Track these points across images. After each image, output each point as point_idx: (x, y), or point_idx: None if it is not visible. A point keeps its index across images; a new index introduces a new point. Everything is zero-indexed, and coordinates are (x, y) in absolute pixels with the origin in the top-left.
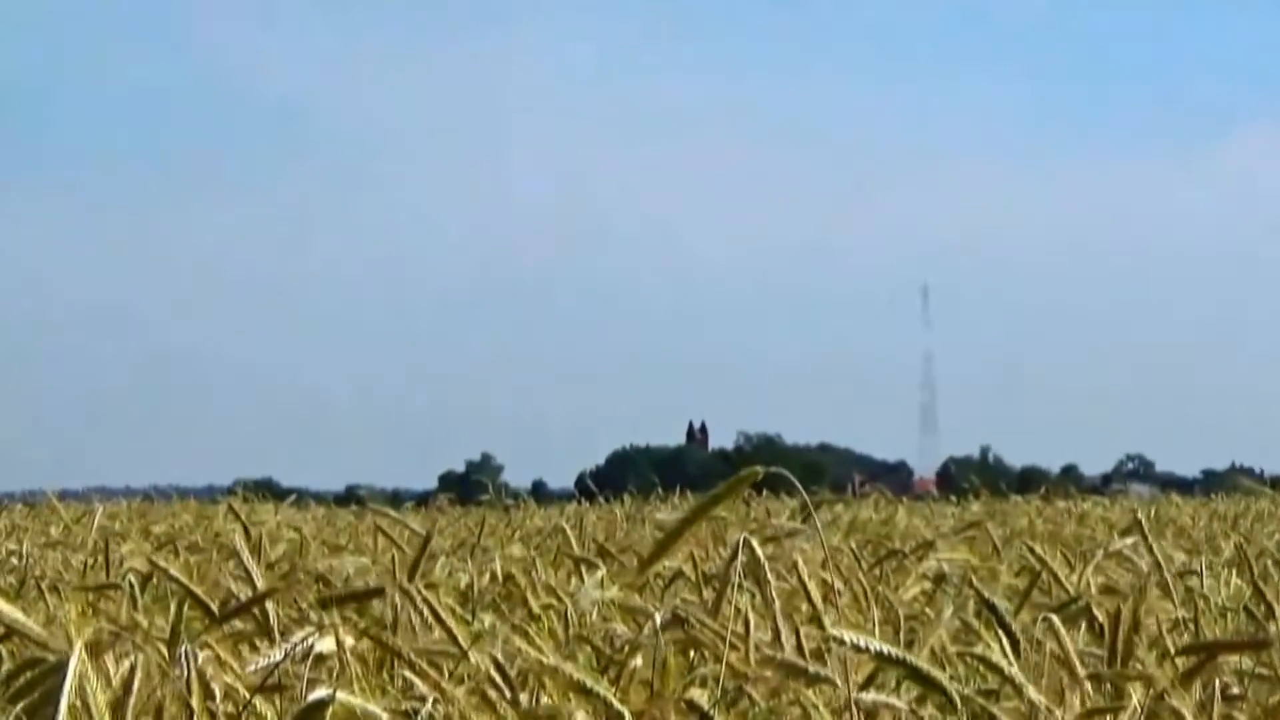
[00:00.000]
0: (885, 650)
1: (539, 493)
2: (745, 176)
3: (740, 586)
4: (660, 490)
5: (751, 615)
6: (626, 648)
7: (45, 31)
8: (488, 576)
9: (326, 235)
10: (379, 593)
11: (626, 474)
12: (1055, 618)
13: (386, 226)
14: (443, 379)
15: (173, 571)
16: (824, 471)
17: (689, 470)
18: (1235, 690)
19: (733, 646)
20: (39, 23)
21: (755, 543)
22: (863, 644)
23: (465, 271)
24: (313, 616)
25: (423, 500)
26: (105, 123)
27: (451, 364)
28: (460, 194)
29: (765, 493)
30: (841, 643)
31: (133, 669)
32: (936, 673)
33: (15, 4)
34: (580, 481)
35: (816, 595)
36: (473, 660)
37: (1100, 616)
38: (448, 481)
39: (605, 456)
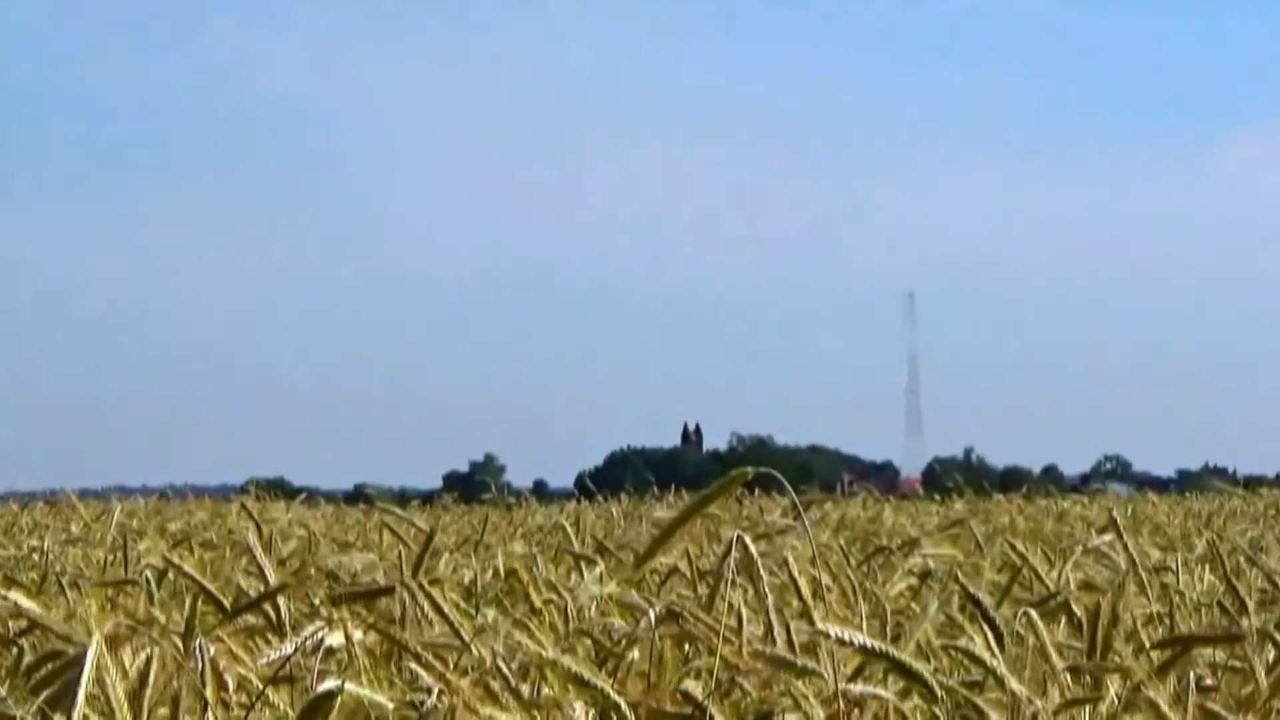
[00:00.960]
0: (870, 644)
1: (540, 492)
2: (739, 181)
3: (733, 582)
4: (656, 490)
5: (744, 610)
6: (624, 641)
7: (40, 31)
8: (491, 572)
9: (336, 238)
10: (389, 591)
11: (624, 474)
12: (1035, 612)
13: (392, 230)
14: (447, 382)
15: (187, 568)
16: (814, 471)
17: (684, 471)
18: (1209, 682)
19: (726, 640)
20: (35, 22)
21: (748, 540)
22: (850, 638)
23: (468, 278)
24: (323, 611)
25: (428, 499)
26: (110, 122)
27: (455, 367)
28: (462, 197)
29: (758, 492)
30: (829, 637)
31: (149, 661)
32: (919, 665)
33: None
34: (579, 481)
35: (806, 591)
36: (476, 653)
37: (1079, 611)
38: (452, 481)
39: (603, 457)
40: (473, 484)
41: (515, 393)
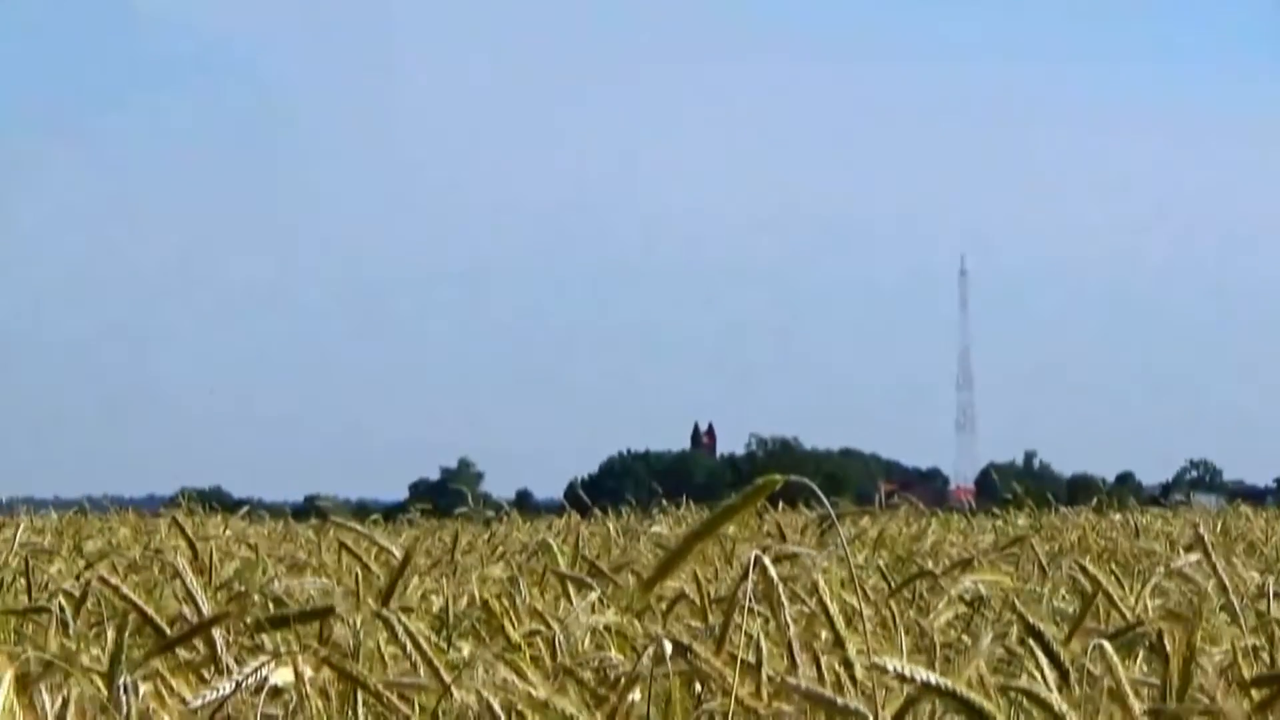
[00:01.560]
0: (933, 679)
1: (523, 504)
2: (758, 147)
3: (752, 611)
4: (662, 501)
5: (764, 643)
6: (623, 680)
7: None
8: (466, 599)
9: (282, 225)
10: (327, 612)
11: (623, 483)
12: (1108, 645)
13: (351, 212)
14: (414, 377)
15: (124, 589)
16: (847, 480)
17: (694, 478)
18: None
19: (743, 678)
20: None
21: (768, 561)
22: (907, 671)
23: (434, 259)
24: (268, 644)
25: (392, 513)
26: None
27: (423, 361)
28: (431, 168)
29: (780, 504)
30: (883, 670)
31: (65, 704)
32: (988, 705)
33: None
34: (570, 491)
35: (839, 620)
36: (454, 695)
37: (1159, 643)
38: (420, 491)
39: (599, 463)
40: (445, 494)
41: (494, 390)
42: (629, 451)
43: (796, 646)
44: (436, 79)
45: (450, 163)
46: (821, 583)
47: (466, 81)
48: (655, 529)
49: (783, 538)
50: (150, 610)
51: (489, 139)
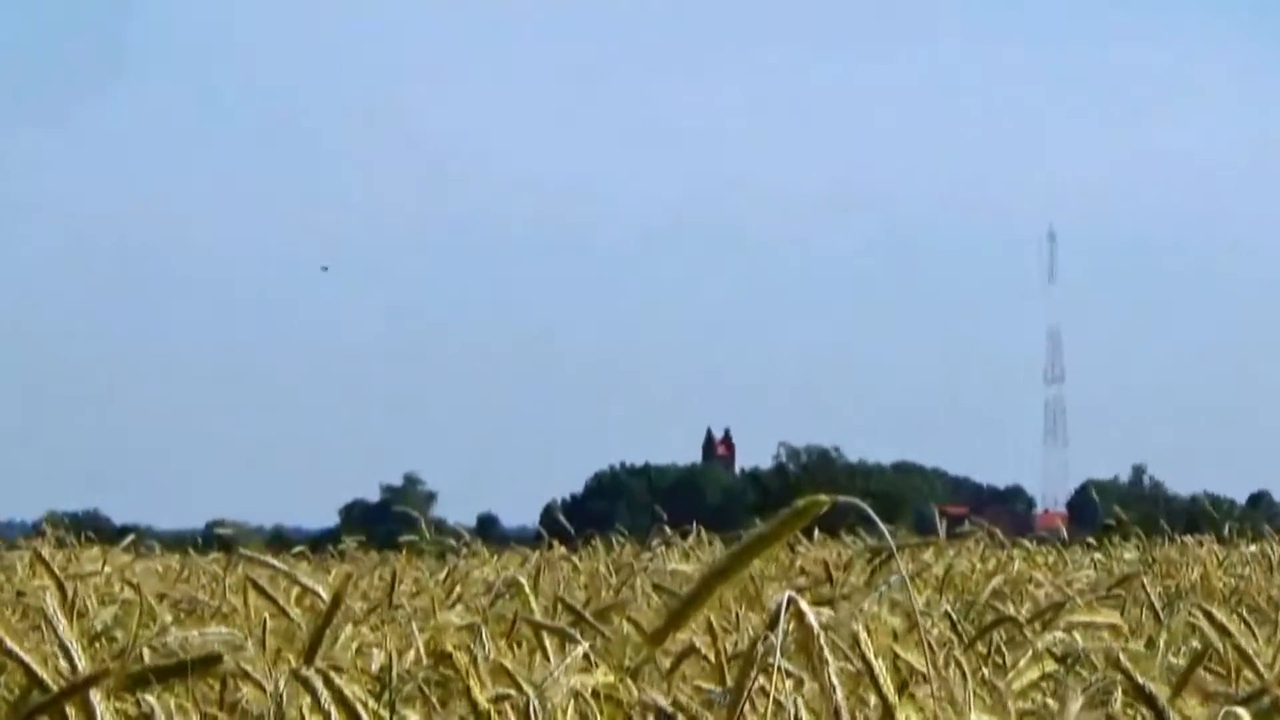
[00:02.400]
0: None
1: (488, 532)
2: (794, 102)
3: (782, 670)
4: (665, 528)
5: (802, 710)
6: None
7: None
8: (413, 654)
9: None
10: (213, 661)
11: (615, 505)
12: (1243, 712)
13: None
14: (348, 377)
15: (8, 642)
16: (903, 501)
17: (707, 498)
18: None
19: None
20: None
21: (805, 605)
22: None
23: (384, 224)
24: (156, 709)
25: (320, 543)
26: None
27: (361, 357)
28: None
29: (817, 532)
30: None
31: None
32: None
33: None
34: (548, 517)
35: (890, 683)
36: None
37: None
38: (355, 516)
39: (584, 481)
40: (386, 519)
41: (449, 389)
42: (623, 465)
43: (842, 714)
44: (418, 80)
45: (433, 147)
46: (868, 635)
47: (450, 78)
48: (657, 564)
49: (829, 578)
50: (30, 660)
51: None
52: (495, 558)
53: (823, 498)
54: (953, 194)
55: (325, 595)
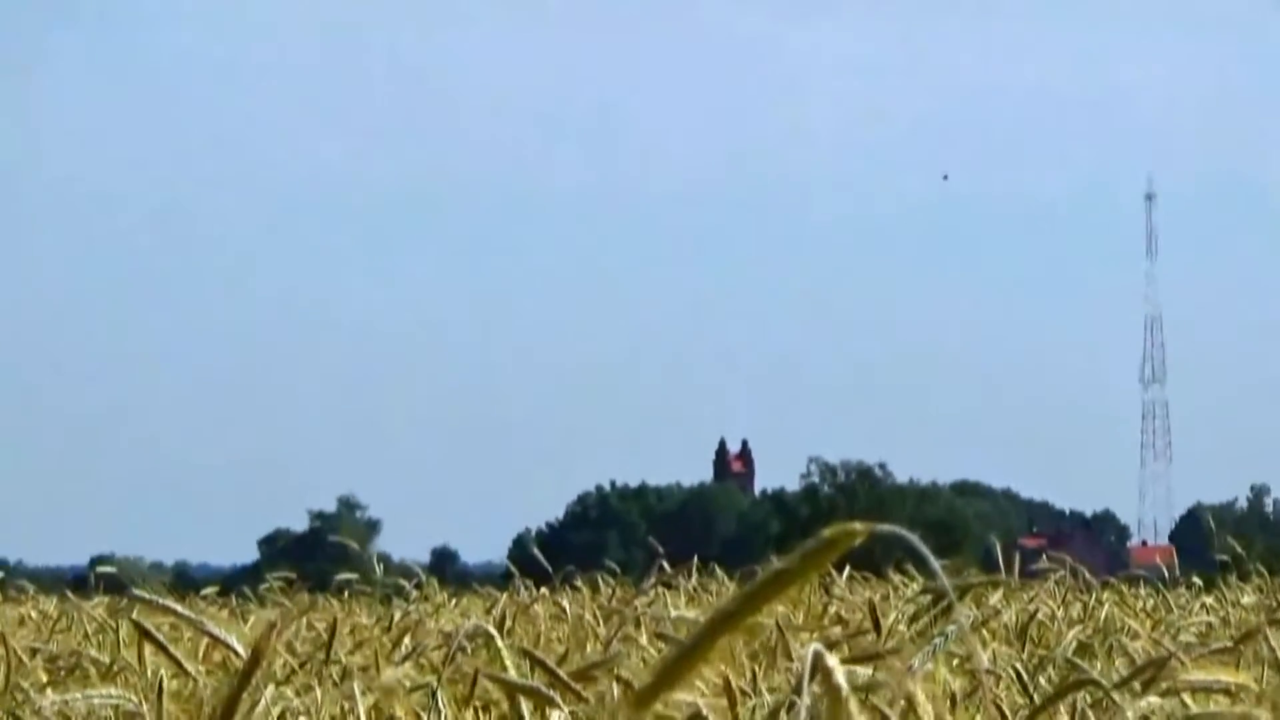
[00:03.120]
0: None
1: (445, 569)
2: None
3: None
4: (663, 563)
5: None
6: None
7: None
8: None
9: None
10: None
11: (604, 534)
12: None
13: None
14: (268, 380)
15: None
16: (965, 531)
17: (718, 526)
18: None
19: None
20: None
21: (834, 663)
22: None
23: (318, 199)
24: None
25: (234, 582)
26: None
27: (283, 356)
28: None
29: (847, 569)
30: None
31: None
32: None
33: None
34: (521, 550)
35: None
36: None
37: None
38: (279, 549)
39: (565, 506)
40: (317, 553)
41: (394, 393)
42: (614, 486)
43: None
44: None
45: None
46: (923, 696)
47: (423, 75)
48: (656, 609)
49: (876, 628)
50: None
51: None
52: (454, 601)
53: (859, 526)
54: (1022, 151)
55: (241, 649)
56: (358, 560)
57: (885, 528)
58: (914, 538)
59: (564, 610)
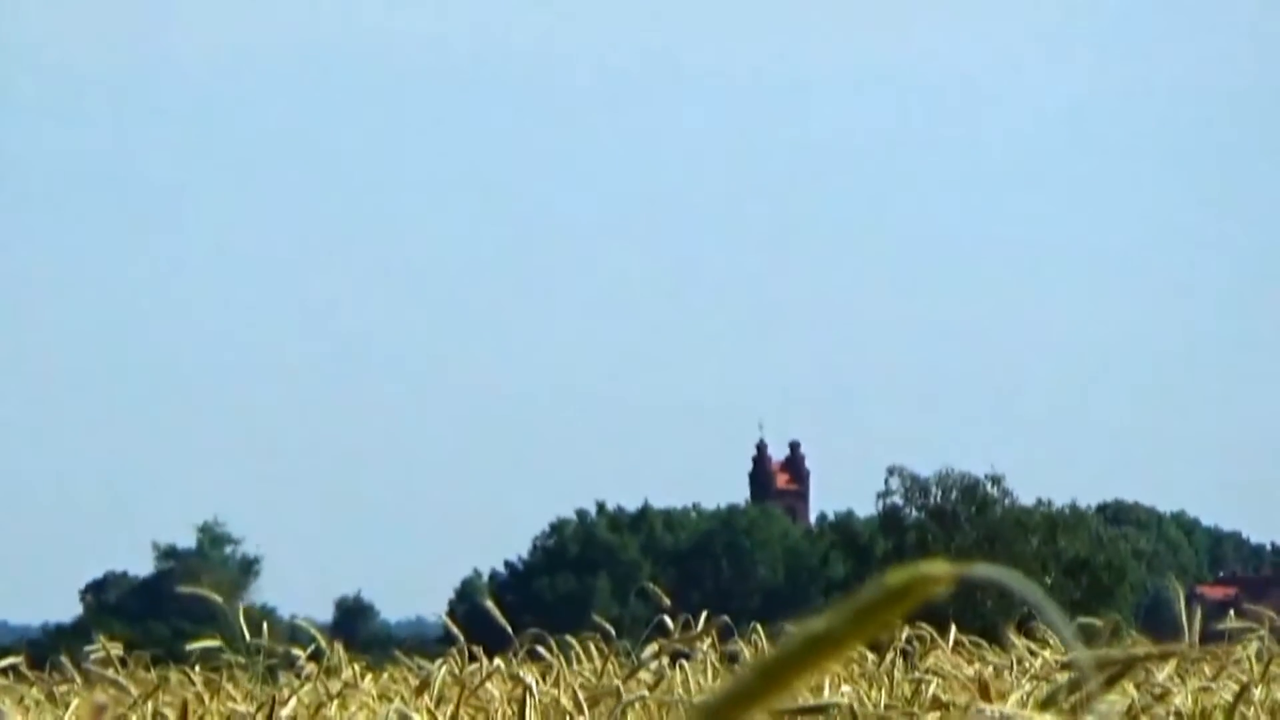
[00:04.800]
0: None
1: (355, 630)
2: None
3: None
4: (665, 617)
5: None
6: None
7: None
8: None
9: None
10: None
11: (591, 578)
12: None
13: None
14: (96, 387)
15: None
16: (1119, 572)
17: (755, 564)
18: None
19: None
20: None
21: None
22: None
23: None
24: None
25: (51, 648)
26: None
27: (117, 360)
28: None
29: (960, 630)
30: None
31: None
32: None
33: None
34: (466, 601)
35: None
36: None
37: None
38: (109, 603)
39: (534, 538)
40: (166, 607)
41: (279, 387)
42: (604, 510)
43: None
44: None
45: None
46: None
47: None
48: (662, 687)
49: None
50: None
51: None
52: (370, 675)
53: (941, 568)
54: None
55: None
56: (224, 617)
57: (985, 570)
58: (1030, 585)
59: (529, 691)
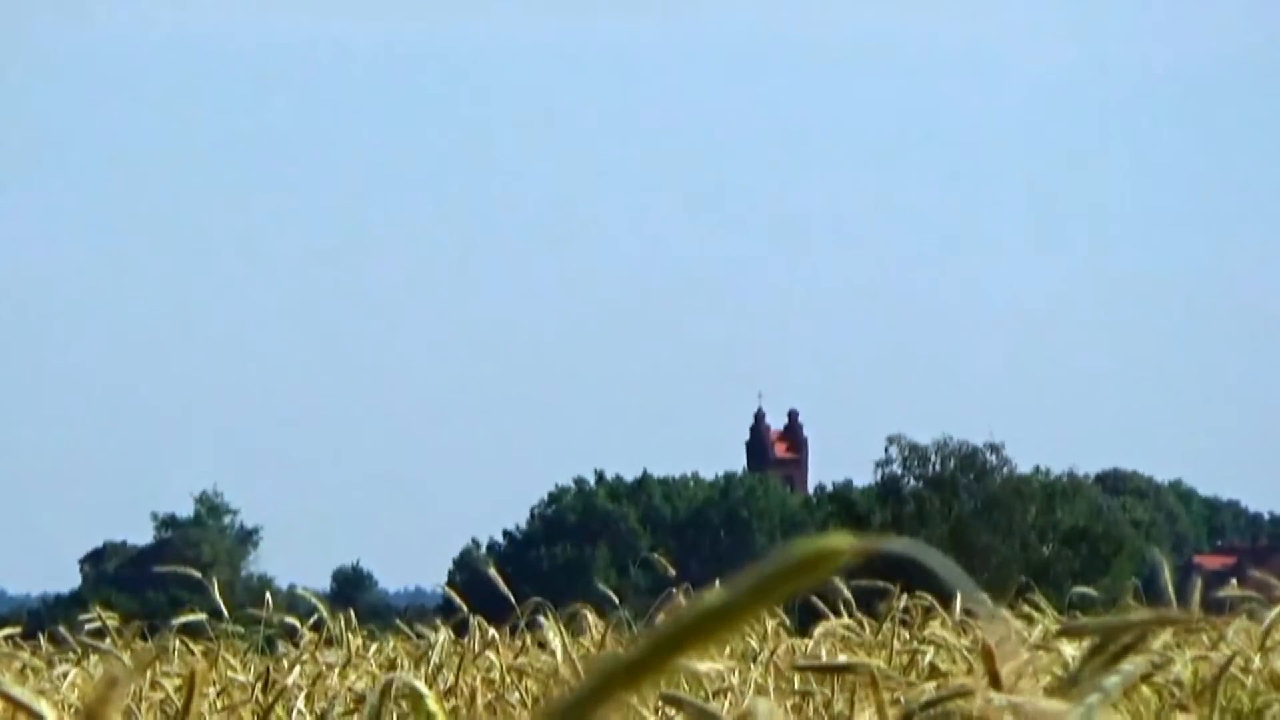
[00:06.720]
0: None
1: (354, 598)
2: None
3: None
4: (673, 583)
5: None
6: None
7: None
8: None
9: None
10: None
11: (591, 547)
12: None
13: None
14: (96, 357)
15: None
16: (1117, 541)
17: (752, 533)
18: None
19: None
20: None
21: None
22: None
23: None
24: None
25: (50, 617)
26: None
27: (118, 330)
28: None
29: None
30: None
31: None
32: None
33: None
34: (467, 571)
35: None
36: None
37: None
38: (108, 573)
39: (532, 507)
40: (163, 577)
41: (280, 350)
42: (603, 479)
43: None
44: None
45: None
46: None
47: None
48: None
49: (995, 681)
50: None
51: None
52: (371, 644)
53: (845, 540)
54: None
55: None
56: (224, 589)
57: (896, 544)
58: (948, 561)
59: (530, 660)
